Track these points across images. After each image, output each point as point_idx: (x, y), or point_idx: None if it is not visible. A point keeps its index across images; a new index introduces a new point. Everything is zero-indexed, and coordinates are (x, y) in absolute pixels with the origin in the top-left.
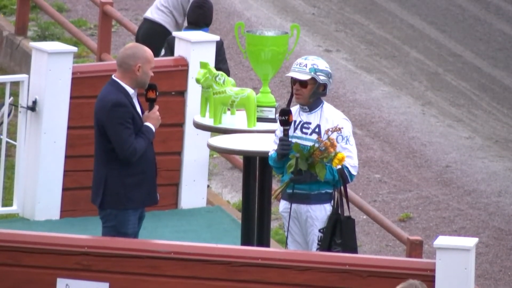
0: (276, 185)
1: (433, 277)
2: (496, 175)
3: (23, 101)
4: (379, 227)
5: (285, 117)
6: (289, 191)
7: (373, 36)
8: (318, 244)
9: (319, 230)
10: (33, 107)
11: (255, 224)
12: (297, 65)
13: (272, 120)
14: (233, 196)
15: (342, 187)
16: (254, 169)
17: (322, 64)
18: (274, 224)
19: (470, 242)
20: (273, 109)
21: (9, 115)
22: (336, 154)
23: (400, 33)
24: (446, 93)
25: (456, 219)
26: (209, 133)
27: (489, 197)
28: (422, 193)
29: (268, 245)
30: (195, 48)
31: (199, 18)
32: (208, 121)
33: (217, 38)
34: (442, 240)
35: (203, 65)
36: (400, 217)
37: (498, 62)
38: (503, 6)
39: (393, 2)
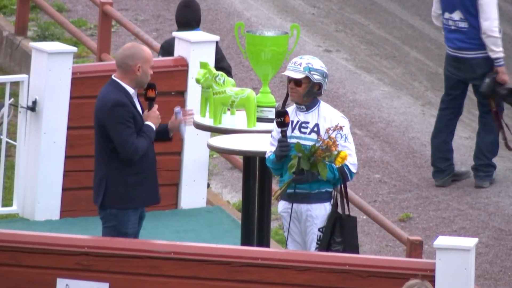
0: (276, 185)
1: (433, 277)
2: (496, 176)
3: (23, 101)
4: (379, 227)
5: (281, 118)
6: (290, 190)
7: (373, 36)
8: (317, 243)
9: (319, 229)
10: (33, 107)
11: (255, 224)
12: (292, 64)
13: (272, 120)
14: (233, 196)
15: (342, 186)
16: (254, 169)
17: (317, 64)
18: (274, 224)
19: (470, 242)
20: (273, 109)
21: (8, 115)
22: (338, 152)
23: (400, 33)
24: None
25: (456, 219)
26: (209, 133)
27: (489, 197)
28: (422, 193)
29: (268, 245)
30: (195, 48)
31: (187, 17)
32: (208, 121)
33: (217, 38)
34: (442, 240)
35: (203, 65)
36: (400, 217)
37: None
38: (503, 6)
39: (393, 2)
